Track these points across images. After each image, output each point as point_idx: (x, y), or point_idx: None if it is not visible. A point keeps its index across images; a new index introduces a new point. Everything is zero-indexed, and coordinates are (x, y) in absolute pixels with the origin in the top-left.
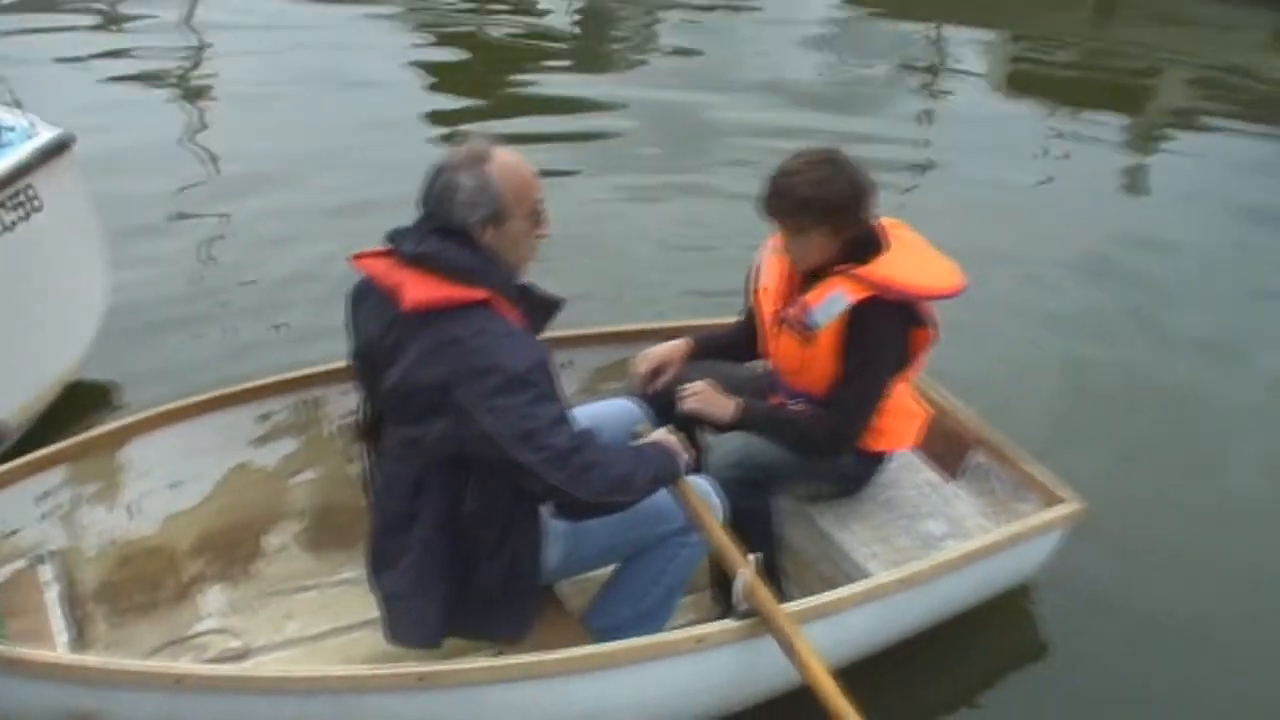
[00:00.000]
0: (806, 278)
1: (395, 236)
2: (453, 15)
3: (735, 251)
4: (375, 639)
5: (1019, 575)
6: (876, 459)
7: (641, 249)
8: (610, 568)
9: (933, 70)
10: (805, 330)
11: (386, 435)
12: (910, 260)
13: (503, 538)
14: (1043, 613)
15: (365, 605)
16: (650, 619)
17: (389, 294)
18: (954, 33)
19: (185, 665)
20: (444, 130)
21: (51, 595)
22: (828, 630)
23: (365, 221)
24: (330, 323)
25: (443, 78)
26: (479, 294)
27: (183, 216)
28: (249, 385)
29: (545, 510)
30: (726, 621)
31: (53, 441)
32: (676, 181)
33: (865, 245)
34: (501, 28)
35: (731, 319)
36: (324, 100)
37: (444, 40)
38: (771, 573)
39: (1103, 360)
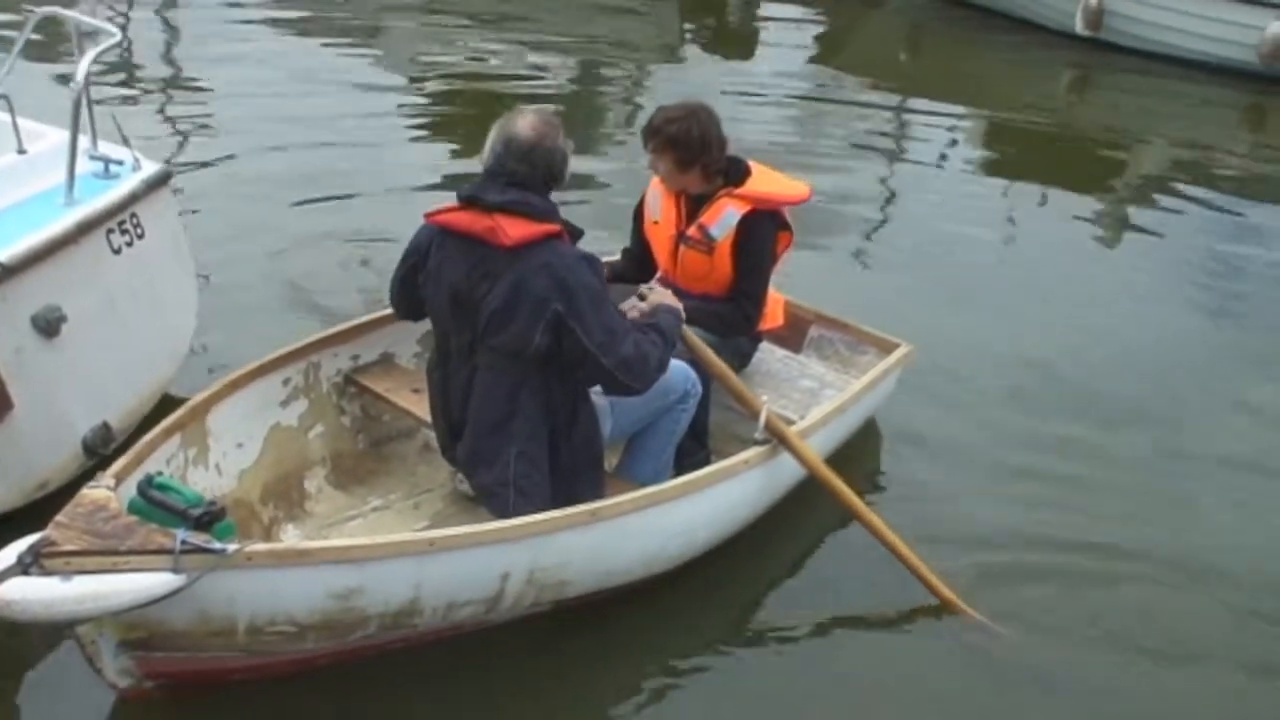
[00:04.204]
0: (695, 203)
1: (472, 195)
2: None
3: None
4: None
5: (879, 404)
6: (759, 338)
7: None
8: None
9: (899, 139)
10: (707, 243)
11: (479, 354)
12: (771, 180)
13: (574, 420)
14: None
15: (405, 523)
16: (666, 468)
17: (480, 236)
18: (924, 104)
19: (433, 531)
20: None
21: None
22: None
23: None
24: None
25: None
26: (555, 228)
27: None
28: (272, 356)
29: (593, 393)
30: (756, 448)
31: None
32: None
33: (736, 173)
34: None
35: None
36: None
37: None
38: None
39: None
